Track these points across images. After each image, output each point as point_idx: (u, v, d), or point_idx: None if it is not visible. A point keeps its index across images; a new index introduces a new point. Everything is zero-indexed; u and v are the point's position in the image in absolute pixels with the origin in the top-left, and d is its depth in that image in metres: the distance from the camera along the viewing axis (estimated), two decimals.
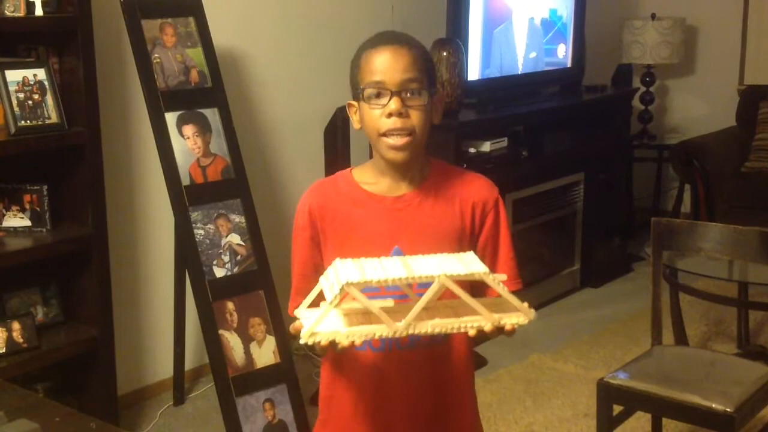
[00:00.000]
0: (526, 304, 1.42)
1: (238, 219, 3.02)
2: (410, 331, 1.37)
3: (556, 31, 4.53)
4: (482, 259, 1.57)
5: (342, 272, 1.36)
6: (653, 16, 5.13)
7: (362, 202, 1.61)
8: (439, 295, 1.37)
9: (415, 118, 1.53)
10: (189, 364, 3.43)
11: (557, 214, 4.38)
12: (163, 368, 3.40)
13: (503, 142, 3.99)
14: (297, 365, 3.08)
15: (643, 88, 5.26)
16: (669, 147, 4.99)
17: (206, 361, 3.03)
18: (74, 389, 2.95)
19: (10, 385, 1.72)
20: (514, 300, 1.39)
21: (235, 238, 3.00)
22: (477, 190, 1.63)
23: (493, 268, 1.59)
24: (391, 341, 1.57)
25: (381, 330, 1.36)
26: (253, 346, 2.97)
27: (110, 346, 2.92)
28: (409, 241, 1.57)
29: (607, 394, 2.51)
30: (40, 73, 2.72)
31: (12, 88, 2.66)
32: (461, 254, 1.44)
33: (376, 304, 1.35)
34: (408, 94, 1.53)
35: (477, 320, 1.39)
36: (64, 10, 2.72)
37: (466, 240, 1.60)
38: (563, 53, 4.60)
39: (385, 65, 1.53)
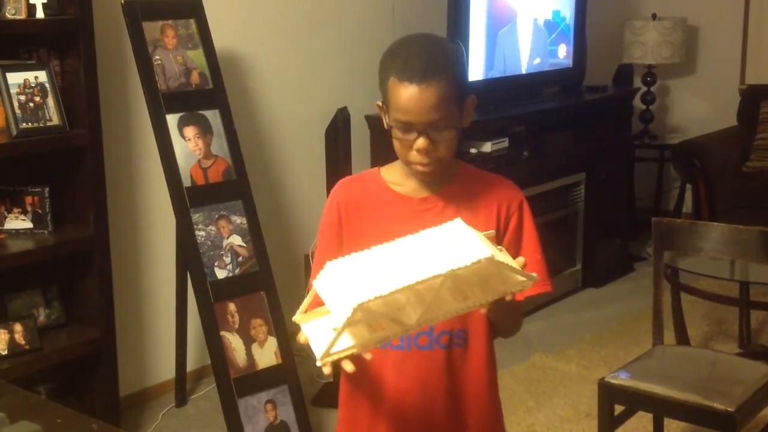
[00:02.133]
0: (519, 262, 1.40)
1: (240, 220, 3.03)
2: (422, 326, 1.35)
3: (559, 32, 4.53)
4: None
5: (343, 287, 1.32)
6: (654, 16, 5.13)
7: (389, 202, 1.62)
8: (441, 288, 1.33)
9: (442, 149, 1.54)
10: (191, 365, 3.43)
11: (558, 215, 4.38)
12: (165, 370, 3.41)
13: (504, 143, 3.99)
14: (298, 366, 3.08)
15: (644, 88, 5.26)
16: (670, 147, 4.99)
17: (208, 362, 3.04)
18: (76, 391, 2.96)
19: (11, 387, 1.72)
20: (513, 264, 1.37)
21: (236, 240, 3.00)
22: (501, 192, 1.64)
23: None
24: (410, 341, 1.58)
25: (395, 332, 1.33)
26: (255, 347, 2.97)
27: (112, 347, 2.92)
28: None
29: (608, 394, 2.51)
30: (42, 76, 2.72)
31: (13, 90, 2.67)
32: (449, 227, 1.40)
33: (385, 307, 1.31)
34: (435, 131, 1.52)
35: (483, 298, 1.36)
36: (65, 12, 2.73)
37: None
38: (564, 53, 4.60)
39: (412, 105, 1.50)
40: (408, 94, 1.50)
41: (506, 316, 1.55)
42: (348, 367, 1.36)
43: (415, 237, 1.40)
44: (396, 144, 1.57)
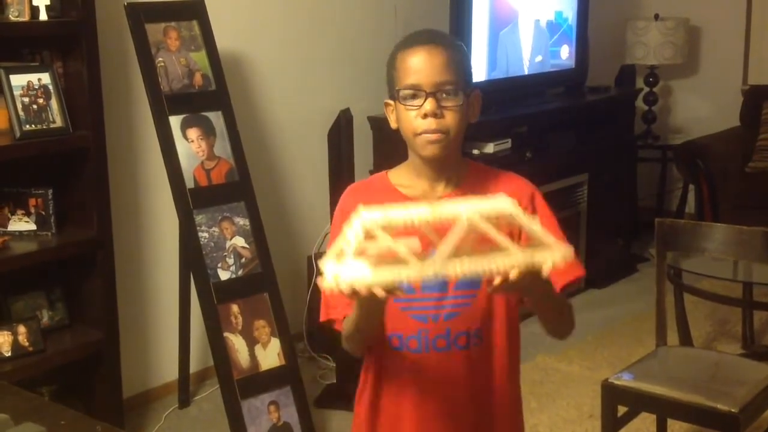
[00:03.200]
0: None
1: (243, 222, 3.03)
2: (438, 271, 1.26)
3: (562, 33, 4.53)
4: None
5: (366, 215, 1.28)
6: (656, 17, 5.13)
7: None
8: (466, 235, 1.26)
9: (450, 118, 1.53)
10: (194, 366, 3.43)
11: (561, 215, 4.32)
12: (168, 371, 3.41)
13: (507, 144, 3.99)
14: (302, 367, 3.09)
15: (646, 89, 5.25)
16: (673, 147, 4.99)
17: (211, 363, 3.04)
18: (79, 392, 2.96)
19: (15, 389, 1.72)
20: (546, 236, 1.30)
21: (239, 241, 3.01)
22: (512, 189, 1.61)
23: None
24: (428, 344, 1.57)
25: (407, 272, 1.25)
26: (258, 349, 2.97)
27: (115, 349, 2.92)
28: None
29: (611, 395, 2.51)
30: (45, 77, 2.72)
31: (17, 92, 2.67)
32: (492, 199, 1.32)
33: (401, 244, 1.26)
34: (443, 95, 1.53)
35: (509, 260, 1.27)
36: (68, 14, 2.73)
37: None
38: (566, 54, 4.60)
39: (420, 66, 1.53)
40: (416, 57, 1.53)
41: (545, 305, 1.50)
42: (378, 291, 1.26)
43: (454, 202, 1.32)
44: (403, 122, 1.56)
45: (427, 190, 1.60)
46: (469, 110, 1.58)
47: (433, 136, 1.53)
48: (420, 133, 1.53)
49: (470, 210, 1.26)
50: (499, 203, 1.29)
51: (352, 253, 1.25)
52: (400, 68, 1.56)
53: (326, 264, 1.29)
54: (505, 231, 1.31)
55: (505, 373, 1.66)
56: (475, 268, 1.26)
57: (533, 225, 1.30)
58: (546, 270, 1.28)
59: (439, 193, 1.60)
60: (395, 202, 1.58)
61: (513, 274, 1.27)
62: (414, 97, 1.53)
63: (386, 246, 1.26)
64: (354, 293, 1.26)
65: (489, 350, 1.62)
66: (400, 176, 1.63)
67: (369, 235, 1.25)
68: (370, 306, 1.40)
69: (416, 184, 1.61)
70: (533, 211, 1.62)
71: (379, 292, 1.26)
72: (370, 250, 1.28)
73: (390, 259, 1.27)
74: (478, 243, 1.30)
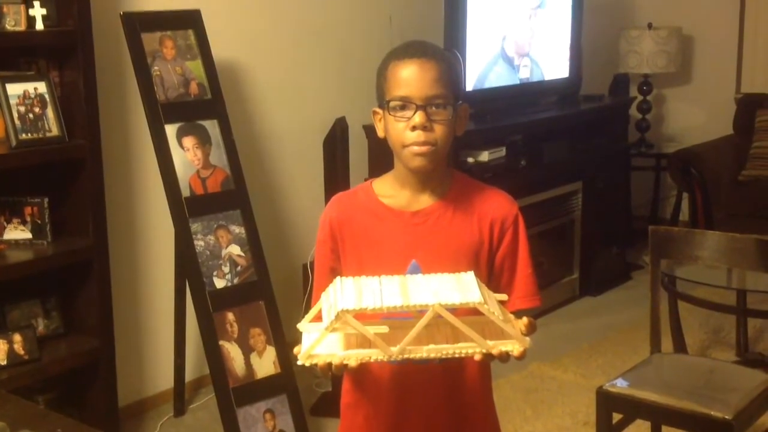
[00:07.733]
0: (523, 322, 1.43)
1: (238, 230, 3.04)
2: (404, 356, 1.38)
3: (555, 41, 4.55)
4: (500, 274, 1.62)
5: (339, 296, 1.38)
6: (650, 26, 5.16)
7: (381, 216, 1.62)
8: (432, 321, 1.38)
9: (439, 131, 1.55)
10: (189, 375, 3.43)
11: (556, 223, 4.39)
12: (164, 379, 3.41)
13: (501, 152, 4.01)
14: (297, 375, 3.09)
15: (640, 97, 5.28)
16: (667, 155, 5.01)
17: (207, 371, 3.04)
18: (75, 401, 2.96)
19: (12, 397, 1.73)
20: (509, 328, 1.40)
21: (235, 249, 3.01)
22: (496, 206, 1.64)
23: (510, 285, 1.62)
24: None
25: (376, 354, 1.38)
26: (254, 357, 2.97)
27: (111, 357, 2.92)
28: (426, 256, 1.58)
29: (606, 402, 2.52)
30: (41, 87, 2.73)
31: (13, 101, 2.68)
32: (461, 275, 1.44)
33: (370, 330, 1.36)
34: (433, 108, 1.54)
35: (471, 346, 1.39)
36: (64, 23, 2.74)
37: (483, 255, 1.61)
38: (561, 63, 4.62)
39: (412, 79, 1.54)
40: (409, 69, 1.55)
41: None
42: (352, 363, 1.40)
43: (426, 276, 1.45)
44: (392, 133, 1.57)
45: (410, 200, 1.62)
46: (457, 123, 1.59)
47: (421, 149, 1.54)
48: (408, 145, 1.55)
49: (438, 302, 1.35)
50: (468, 297, 1.37)
51: (324, 334, 1.37)
52: (391, 79, 1.56)
53: (305, 332, 1.45)
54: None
55: (479, 385, 1.69)
56: (438, 353, 1.40)
57: (497, 317, 1.39)
58: (501, 356, 1.41)
59: (421, 204, 1.62)
60: (378, 213, 1.60)
61: (476, 357, 1.41)
62: (404, 108, 1.55)
63: (357, 331, 1.38)
64: (327, 367, 1.41)
65: (464, 362, 1.63)
66: (384, 186, 1.65)
67: (343, 323, 1.36)
68: (340, 372, 1.45)
69: (400, 195, 1.62)
70: (514, 232, 1.64)
71: (353, 364, 1.40)
72: (343, 330, 1.40)
73: (363, 336, 1.39)
74: (445, 328, 1.42)
